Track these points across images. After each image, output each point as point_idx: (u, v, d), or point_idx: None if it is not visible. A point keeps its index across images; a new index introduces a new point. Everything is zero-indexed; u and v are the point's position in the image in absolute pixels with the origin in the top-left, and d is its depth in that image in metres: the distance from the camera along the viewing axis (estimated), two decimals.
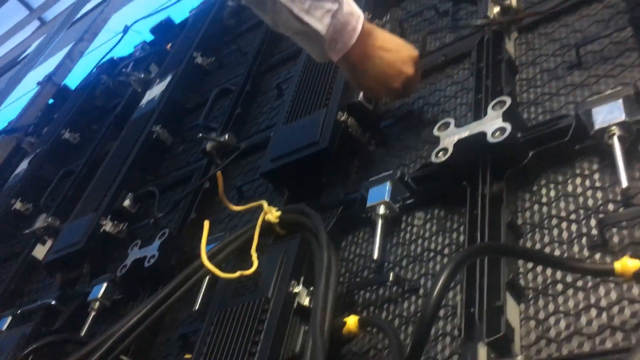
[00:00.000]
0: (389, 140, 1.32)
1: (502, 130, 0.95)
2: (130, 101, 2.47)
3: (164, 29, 2.85)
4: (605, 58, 1.06)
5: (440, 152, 1.02)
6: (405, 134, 1.30)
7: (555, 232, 0.90)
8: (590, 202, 0.89)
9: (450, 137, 1.03)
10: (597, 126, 0.88)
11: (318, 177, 1.30)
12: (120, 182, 1.82)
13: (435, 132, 1.06)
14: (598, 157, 0.93)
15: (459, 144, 1.00)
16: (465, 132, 1.01)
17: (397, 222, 1.11)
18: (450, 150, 1.00)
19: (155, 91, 2.18)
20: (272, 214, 1.15)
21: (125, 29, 3.88)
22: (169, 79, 2.18)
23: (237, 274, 1.07)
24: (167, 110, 2.06)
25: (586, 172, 0.93)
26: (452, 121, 1.05)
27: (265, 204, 1.17)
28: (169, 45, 2.62)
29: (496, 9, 1.27)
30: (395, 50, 1.16)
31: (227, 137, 1.68)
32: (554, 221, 0.92)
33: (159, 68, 2.66)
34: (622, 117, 0.87)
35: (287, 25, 1.09)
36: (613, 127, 0.87)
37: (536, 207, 0.95)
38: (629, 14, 1.10)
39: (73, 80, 3.63)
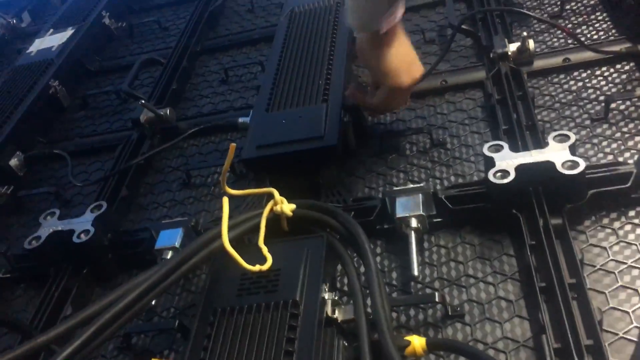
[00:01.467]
0: (387, 152, 1.23)
1: (574, 163, 0.93)
2: None
3: None
4: (631, 118, 1.11)
5: (499, 174, 0.96)
6: (406, 149, 1.22)
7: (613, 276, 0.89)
8: None
9: (508, 160, 0.97)
10: None
11: (311, 176, 1.16)
12: (5, 138, 1.46)
13: (487, 151, 1.00)
14: None
15: (522, 169, 0.95)
16: (526, 158, 0.96)
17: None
18: (513, 173, 0.95)
19: (50, 42, 1.82)
20: (287, 206, 0.98)
21: None
22: (70, 32, 1.84)
23: (257, 267, 0.88)
24: (68, 67, 1.73)
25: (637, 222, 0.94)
26: (505, 145, 1.00)
27: (276, 192, 0.99)
28: None
29: (514, 47, 1.27)
30: (414, 53, 1.12)
31: (168, 111, 1.45)
32: (611, 264, 0.90)
33: (32, 19, 2.28)
34: None
35: None
36: None
37: (590, 248, 0.93)
38: None
39: None
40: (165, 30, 1.94)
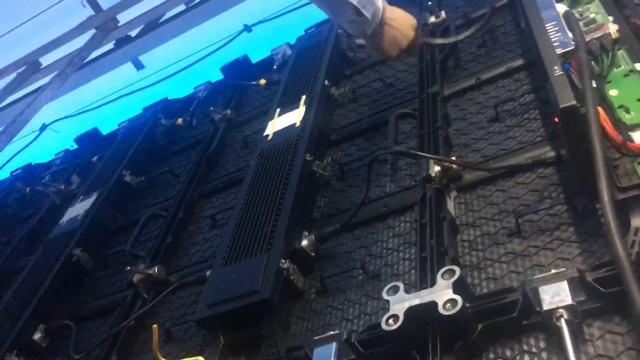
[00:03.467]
0: (329, 289, 1.30)
1: (453, 302, 0.96)
2: (47, 214, 2.35)
3: (89, 140, 2.78)
4: (542, 229, 1.12)
5: (391, 319, 1.01)
6: (347, 285, 1.29)
7: None
8: None
9: (400, 303, 1.02)
10: (545, 307, 0.91)
11: (257, 328, 1.25)
12: (31, 312, 1.68)
13: (385, 295, 1.05)
14: (545, 335, 0.95)
15: (410, 312, 0.99)
16: (415, 300, 1.01)
17: None
18: (402, 318, 0.99)
19: (79, 209, 2.09)
20: None
21: (43, 127, 3.77)
22: (94, 197, 2.10)
23: None
24: (91, 232, 1.97)
25: (534, 350, 0.94)
26: (401, 286, 1.05)
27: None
28: (95, 158, 2.55)
29: (437, 168, 1.32)
30: (399, 19, 1.56)
31: (156, 270, 1.61)
32: None
33: (80, 180, 2.58)
34: (569, 300, 0.90)
35: (345, 17, 1.51)
36: (560, 310, 0.89)
37: None
38: (561, 187, 1.17)
39: None
40: (177, 178, 2.15)
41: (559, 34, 1.12)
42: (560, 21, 1.16)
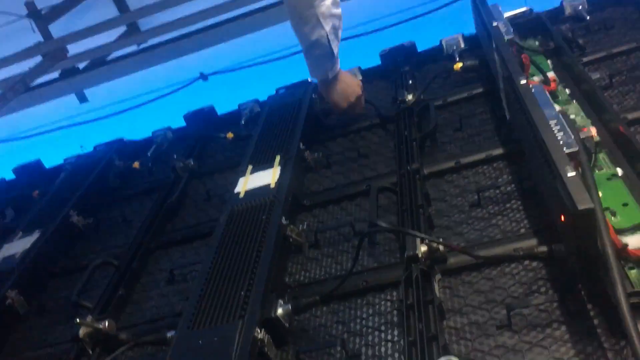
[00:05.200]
0: None
1: None
2: None
3: (30, 171, 2.61)
4: (534, 325, 1.11)
5: None
6: (315, 356, 1.23)
7: None
8: None
9: None
10: None
11: None
12: None
13: None
14: None
15: None
16: None
17: None
18: None
19: (16, 247, 1.93)
20: None
21: None
22: (36, 235, 1.95)
23: None
24: (29, 274, 1.81)
25: None
26: None
27: None
28: (36, 192, 2.39)
29: (424, 248, 1.31)
30: (349, 77, 1.95)
31: (106, 324, 1.49)
32: None
33: (14, 214, 2.40)
34: None
35: (317, 42, 1.77)
36: None
37: None
38: (550, 282, 1.18)
39: None
40: (129, 224, 2.04)
41: (561, 132, 1.15)
42: (562, 120, 1.20)
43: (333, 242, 1.56)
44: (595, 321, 1.06)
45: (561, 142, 1.12)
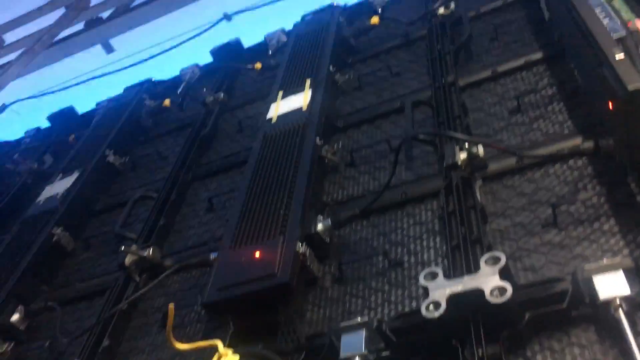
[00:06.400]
0: (347, 277, 1.23)
1: (501, 290, 0.91)
2: (19, 193, 2.20)
3: (64, 118, 2.63)
4: (581, 220, 1.08)
5: (431, 305, 0.95)
6: (367, 273, 1.22)
7: None
8: None
9: (440, 289, 0.96)
10: (601, 297, 0.87)
11: (272, 314, 1.18)
12: (8, 292, 1.56)
13: (422, 281, 0.99)
14: (596, 327, 0.90)
15: (453, 299, 0.94)
16: (458, 286, 0.95)
17: None
18: (444, 305, 0.94)
19: (57, 188, 1.96)
20: (230, 358, 1.00)
21: (2, 108, 3.60)
22: (75, 175, 1.98)
23: None
24: (72, 212, 1.84)
25: (584, 342, 0.90)
26: (439, 271, 1.00)
27: (220, 344, 1.01)
28: (72, 136, 2.42)
29: (463, 156, 1.27)
30: None
31: (151, 251, 1.51)
32: None
33: (53, 159, 2.44)
34: (627, 290, 0.86)
35: None
36: (619, 300, 0.85)
37: None
38: (596, 178, 1.14)
39: None
40: (165, 160, 2.04)
41: (607, 19, 1.09)
42: (606, 7, 1.13)
43: (369, 159, 1.53)
44: None
45: (607, 28, 1.06)
